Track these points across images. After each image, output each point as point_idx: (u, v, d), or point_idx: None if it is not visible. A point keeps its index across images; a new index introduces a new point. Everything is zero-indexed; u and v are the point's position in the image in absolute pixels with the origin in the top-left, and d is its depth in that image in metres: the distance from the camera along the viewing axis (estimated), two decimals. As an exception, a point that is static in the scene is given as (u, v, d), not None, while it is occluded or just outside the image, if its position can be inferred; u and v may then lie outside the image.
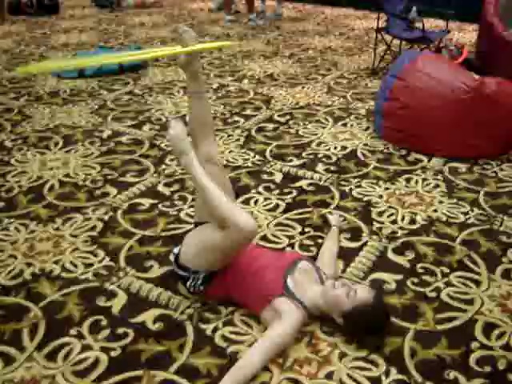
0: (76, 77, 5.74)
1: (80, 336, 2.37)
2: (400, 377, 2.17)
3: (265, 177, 3.69)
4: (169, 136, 2.39)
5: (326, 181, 3.64)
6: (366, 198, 3.44)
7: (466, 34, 7.81)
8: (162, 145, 4.09)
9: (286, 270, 2.41)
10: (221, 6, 9.18)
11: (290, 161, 3.92)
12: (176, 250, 2.59)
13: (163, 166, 3.82)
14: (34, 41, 7.43)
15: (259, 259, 2.49)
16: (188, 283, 2.49)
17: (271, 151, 4.08)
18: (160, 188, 3.56)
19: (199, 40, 2.65)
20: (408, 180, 3.67)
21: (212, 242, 2.36)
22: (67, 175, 3.72)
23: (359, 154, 4.04)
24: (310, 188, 3.56)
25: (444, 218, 3.23)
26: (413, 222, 3.20)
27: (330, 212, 3.26)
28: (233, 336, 2.37)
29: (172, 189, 3.53)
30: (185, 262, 2.50)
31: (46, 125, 4.57)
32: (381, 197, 3.46)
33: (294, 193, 3.50)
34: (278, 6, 8.79)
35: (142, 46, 6.81)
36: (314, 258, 2.75)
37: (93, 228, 3.14)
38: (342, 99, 5.17)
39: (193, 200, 3.35)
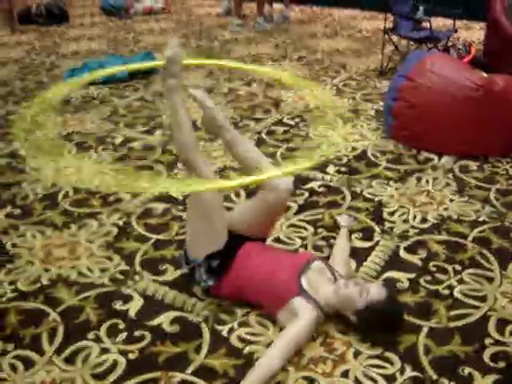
0: (87, 84, 5.79)
1: (98, 339, 2.41)
2: (415, 374, 2.19)
3: (276, 179, 3.71)
4: (166, 55, 2.50)
5: (337, 181, 3.66)
6: (377, 198, 3.46)
7: (473, 33, 7.80)
8: (175, 150, 4.13)
9: (300, 270, 2.44)
10: (229, 11, 9.22)
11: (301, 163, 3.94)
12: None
13: (175, 171, 3.85)
14: (45, 50, 7.49)
15: (273, 259, 2.53)
16: (196, 277, 2.55)
17: (282, 154, 4.11)
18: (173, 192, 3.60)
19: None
20: (419, 179, 3.68)
21: (189, 212, 2.61)
22: (81, 182, 3.77)
23: (369, 154, 4.06)
24: (322, 189, 3.58)
25: (455, 216, 3.25)
26: (424, 220, 3.22)
27: (339, 213, 3.28)
28: (249, 337, 2.40)
29: (185, 193, 3.56)
30: (188, 255, 2.60)
31: (59, 132, 4.63)
32: (392, 196, 3.48)
33: (306, 194, 3.53)
34: (285, 9, 8.81)
35: (152, 52, 6.84)
36: (326, 258, 2.77)
37: (108, 233, 3.18)
38: (351, 100, 5.19)
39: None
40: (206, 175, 2.53)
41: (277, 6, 8.88)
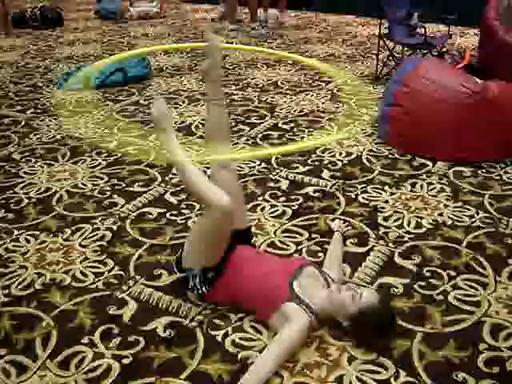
0: (81, 88, 5.78)
1: (92, 344, 2.40)
2: (409, 379, 2.19)
3: (271, 184, 3.72)
4: (153, 110, 2.49)
5: (331, 187, 3.67)
6: (371, 204, 3.46)
7: (468, 39, 7.84)
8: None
9: (293, 275, 2.44)
10: (223, 16, 9.24)
11: (296, 168, 3.95)
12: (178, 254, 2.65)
13: (170, 176, 3.85)
14: (39, 53, 7.50)
15: (265, 265, 2.53)
16: (190, 284, 2.54)
17: (277, 159, 4.11)
18: (167, 197, 3.59)
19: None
20: (413, 184, 3.69)
21: (197, 229, 2.52)
22: (75, 186, 3.76)
23: (364, 159, 4.07)
24: (316, 194, 3.58)
25: (450, 222, 3.26)
26: (419, 226, 3.22)
27: (332, 219, 3.28)
28: (243, 342, 2.39)
29: (179, 198, 3.56)
30: (183, 262, 2.57)
31: (53, 137, 4.62)
32: (386, 202, 3.48)
33: (301, 199, 3.53)
34: (280, 14, 8.83)
35: (147, 56, 6.85)
36: (320, 264, 2.77)
37: (102, 238, 3.17)
38: (345, 106, 5.20)
39: (200, 209, 3.39)
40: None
41: (272, 11, 8.90)
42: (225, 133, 2.89)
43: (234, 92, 5.66)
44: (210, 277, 2.50)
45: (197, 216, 3.32)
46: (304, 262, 2.66)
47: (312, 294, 2.40)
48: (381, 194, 3.58)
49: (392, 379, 2.19)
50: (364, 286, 2.67)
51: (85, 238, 3.17)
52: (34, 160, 4.17)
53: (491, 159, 3.96)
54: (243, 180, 3.75)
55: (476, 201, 3.48)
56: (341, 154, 4.16)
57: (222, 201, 2.32)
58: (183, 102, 5.39)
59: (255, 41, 7.91)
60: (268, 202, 3.51)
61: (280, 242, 3.10)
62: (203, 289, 2.52)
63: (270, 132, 4.61)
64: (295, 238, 3.14)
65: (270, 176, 3.82)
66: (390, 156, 4.11)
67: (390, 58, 5.96)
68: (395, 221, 3.28)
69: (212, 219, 2.39)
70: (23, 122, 4.94)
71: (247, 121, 4.88)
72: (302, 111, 5.09)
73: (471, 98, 3.82)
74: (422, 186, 3.66)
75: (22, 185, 3.80)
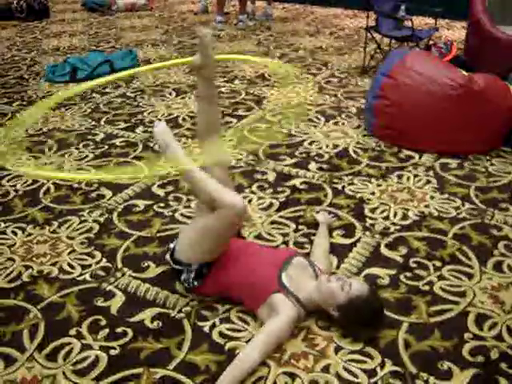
0: (68, 80, 5.75)
1: (79, 336, 2.40)
2: (395, 368, 2.21)
3: (258, 176, 3.73)
4: (154, 132, 2.53)
5: (318, 179, 3.68)
6: (358, 195, 3.48)
7: (454, 32, 7.86)
8: (156, 147, 4.13)
9: (281, 266, 2.46)
10: (206, 9, 9.25)
11: (283, 160, 3.96)
12: (172, 245, 2.64)
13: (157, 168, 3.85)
14: (25, 45, 7.44)
15: (254, 256, 2.54)
16: (182, 277, 2.55)
17: (264, 151, 4.12)
18: (155, 189, 3.59)
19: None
20: (400, 176, 3.71)
21: (203, 228, 2.46)
22: (62, 178, 3.75)
23: (351, 151, 4.09)
24: (303, 186, 3.60)
25: (436, 213, 3.28)
26: (405, 217, 3.24)
27: (317, 211, 3.30)
28: (230, 332, 2.41)
29: (166, 190, 3.56)
30: (179, 255, 2.55)
31: (40, 129, 4.60)
32: (373, 193, 3.50)
33: (288, 191, 3.54)
34: (267, 6, 8.82)
35: (134, 49, 6.82)
36: (307, 255, 2.79)
37: (89, 230, 3.17)
38: (333, 98, 5.21)
39: (188, 200, 3.39)
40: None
41: (259, 3, 8.89)
42: (215, 130, 2.88)
43: (222, 84, 5.65)
44: (204, 272, 2.51)
45: (184, 208, 3.33)
46: (293, 252, 2.68)
47: (300, 284, 2.42)
48: (367, 185, 3.60)
49: (378, 368, 2.22)
50: (351, 277, 2.69)
51: (72, 230, 3.17)
52: (20, 152, 4.15)
53: (477, 151, 3.99)
54: (230, 172, 3.75)
55: (462, 192, 3.51)
56: (328, 146, 4.18)
57: (237, 202, 2.35)
58: (170, 94, 5.38)
59: (242, 33, 7.90)
60: (255, 194, 3.52)
61: (267, 233, 3.11)
62: (195, 283, 2.53)
63: (257, 124, 4.61)
64: (282, 229, 3.15)
65: (257, 168, 3.83)
66: (377, 148, 4.13)
67: (378, 50, 5.97)
68: (382, 212, 3.30)
69: (225, 219, 2.39)
70: (10, 114, 4.92)
71: (234, 113, 4.87)
72: (289, 103, 5.09)
73: (457, 90, 3.84)
74: (408, 178, 3.69)
75: (8, 177, 3.78)
